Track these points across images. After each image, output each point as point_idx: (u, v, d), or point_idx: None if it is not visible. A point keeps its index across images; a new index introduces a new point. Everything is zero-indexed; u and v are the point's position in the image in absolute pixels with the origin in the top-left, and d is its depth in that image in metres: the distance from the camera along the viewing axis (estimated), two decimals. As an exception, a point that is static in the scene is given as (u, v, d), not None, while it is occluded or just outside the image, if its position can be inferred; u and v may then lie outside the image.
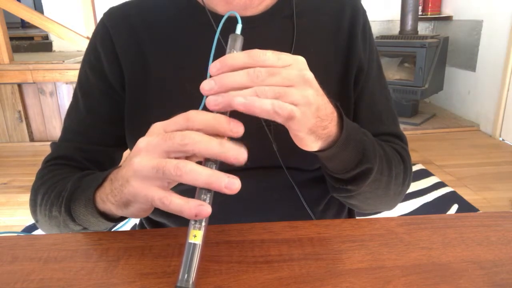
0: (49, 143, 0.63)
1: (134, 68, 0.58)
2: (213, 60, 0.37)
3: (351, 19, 0.61)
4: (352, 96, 0.61)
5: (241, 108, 0.35)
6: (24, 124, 2.70)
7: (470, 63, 3.08)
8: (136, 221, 0.77)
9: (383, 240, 0.45)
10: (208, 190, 0.35)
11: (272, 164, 0.57)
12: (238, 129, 0.35)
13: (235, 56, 0.37)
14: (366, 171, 0.51)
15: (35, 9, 3.69)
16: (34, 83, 2.61)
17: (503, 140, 2.73)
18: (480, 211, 1.81)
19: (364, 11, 0.63)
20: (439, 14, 3.42)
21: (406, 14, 3.01)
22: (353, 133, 0.48)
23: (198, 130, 0.35)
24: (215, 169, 0.35)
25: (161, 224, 0.65)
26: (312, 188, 0.62)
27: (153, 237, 0.46)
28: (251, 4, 0.58)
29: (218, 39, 0.41)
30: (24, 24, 4.62)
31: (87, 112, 0.60)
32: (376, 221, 0.49)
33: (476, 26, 2.99)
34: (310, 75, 0.38)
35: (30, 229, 1.75)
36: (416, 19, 3.05)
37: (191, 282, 0.33)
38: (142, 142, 0.36)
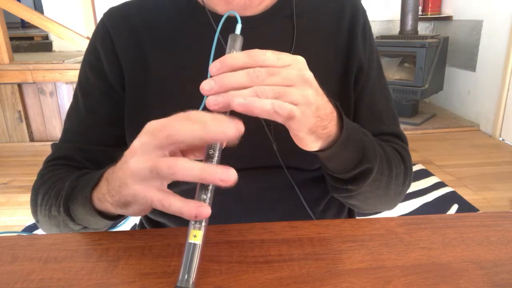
0: (49, 143, 0.63)
1: (134, 68, 0.58)
2: (213, 60, 0.37)
3: (351, 19, 0.61)
4: (352, 96, 0.61)
5: (240, 109, 0.35)
6: (24, 124, 2.70)
7: (470, 63, 3.08)
8: (136, 221, 0.77)
9: (383, 240, 0.45)
10: (208, 190, 0.35)
11: (272, 164, 0.57)
12: (237, 127, 0.35)
13: (235, 56, 0.37)
14: (366, 171, 0.51)
15: (35, 9, 3.68)
16: (34, 83, 2.61)
17: (503, 140, 2.73)
18: (480, 211, 1.81)
19: (364, 11, 0.63)
20: (439, 14, 3.42)
21: (406, 14, 3.01)
22: (353, 133, 0.48)
23: None
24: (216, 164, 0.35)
25: (161, 224, 0.65)
26: (312, 188, 0.62)
27: (153, 237, 0.46)
28: (251, 4, 0.58)
29: (218, 38, 0.41)
30: (24, 24, 4.62)
31: (87, 112, 0.60)
32: (376, 221, 0.49)
33: (476, 26, 2.99)
34: (309, 75, 0.38)
35: (30, 229, 1.75)
36: (416, 19, 3.05)
37: (191, 282, 0.33)
38: (136, 143, 0.37)
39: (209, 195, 0.35)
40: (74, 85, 1.17)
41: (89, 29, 2.71)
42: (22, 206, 1.96)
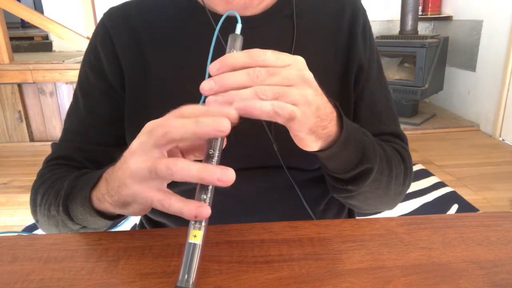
0: (49, 143, 0.63)
1: (134, 68, 0.58)
2: (213, 60, 0.37)
3: (351, 19, 0.61)
4: (352, 96, 0.61)
5: (241, 112, 0.35)
6: (24, 124, 2.70)
7: (470, 63, 3.08)
8: (136, 221, 0.77)
9: (383, 240, 0.45)
10: (208, 190, 0.35)
11: (272, 164, 0.57)
12: (227, 117, 0.34)
13: (235, 55, 0.37)
14: (366, 171, 0.51)
15: (35, 9, 3.68)
16: (34, 83, 2.61)
17: (503, 140, 2.73)
18: (480, 211, 1.81)
19: (364, 11, 0.63)
20: (439, 14, 3.42)
21: (406, 14, 3.01)
22: (353, 133, 0.48)
23: None
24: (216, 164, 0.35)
25: (161, 224, 0.65)
26: (313, 188, 0.62)
27: (153, 237, 0.46)
28: (251, 4, 0.58)
29: (218, 38, 0.41)
30: (24, 24, 4.62)
31: (87, 112, 0.60)
32: (376, 221, 0.49)
33: (476, 26, 2.99)
34: (309, 75, 0.38)
35: (30, 229, 1.75)
36: (416, 19, 3.05)
37: (191, 282, 0.33)
38: (135, 143, 0.37)
39: (209, 195, 0.35)
40: (74, 85, 1.17)
41: (89, 29, 2.71)
42: (22, 206, 1.96)
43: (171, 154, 0.37)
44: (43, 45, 3.62)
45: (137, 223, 0.73)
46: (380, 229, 0.47)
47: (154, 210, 0.62)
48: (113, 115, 0.60)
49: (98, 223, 0.47)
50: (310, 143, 0.43)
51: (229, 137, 0.36)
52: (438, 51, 2.93)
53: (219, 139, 0.36)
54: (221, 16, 0.55)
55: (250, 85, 0.36)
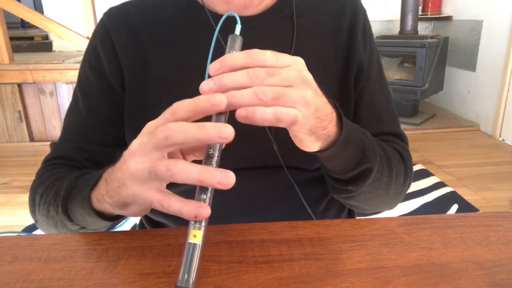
0: (49, 143, 0.63)
1: (134, 68, 0.58)
2: (213, 60, 0.37)
3: (351, 19, 0.61)
4: (352, 96, 0.61)
5: (243, 120, 0.35)
6: (24, 124, 2.70)
7: (470, 63, 3.08)
8: (136, 221, 0.77)
9: (383, 240, 0.45)
10: (208, 190, 0.35)
11: (272, 164, 0.57)
12: (220, 102, 0.34)
13: (235, 56, 0.37)
14: (366, 171, 0.51)
15: (35, 9, 3.68)
16: (34, 83, 2.61)
17: (503, 140, 2.73)
18: (480, 211, 1.81)
19: (364, 11, 0.63)
20: (439, 14, 3.42)
21: (406, 14, 3.01)
22: (352, 133, 0.48)
23: (185, 119, 0.35)
24: (215, 166, 0.35)
25: (161, 224, 0.65)
26: (313, 188, 0.62)
27: (153, 237, 0.46)
28: (251, 4, 0.58)
29: (218, 39, 0.41)
30: (24, 24, 4.62)
31: (87, 112, 0.60)
32: (376, 221, 0.49)
33: (476, 26, 2.99)
34: (308, 76, 0.38)
35: (30, 229, 1.75)
36: (416, 19, 3.05)
37: (191, 282, 0.33)
38: (135, 143, 0.36)
39: (209, 195, 0.35)
40: (74, 85, 1.17)
41: (89, 29, 2.71)
42: (22, 206, 1.96)
43: (171, 153, 0.37)
44: (43, 45, 3.62)
45: (137, 223, 0.73)
46: (380, 229, 0.47)
47: (154, 210, 0.62)
48: (113, 115, 0.60)
49: (97, 223, 0.47)
50: (310, 144, 0.43)
51: None
52: (438, 51, 2.93)
53: None
54: (221, 16, 0.55)
55: (249, 85, 0.36)
